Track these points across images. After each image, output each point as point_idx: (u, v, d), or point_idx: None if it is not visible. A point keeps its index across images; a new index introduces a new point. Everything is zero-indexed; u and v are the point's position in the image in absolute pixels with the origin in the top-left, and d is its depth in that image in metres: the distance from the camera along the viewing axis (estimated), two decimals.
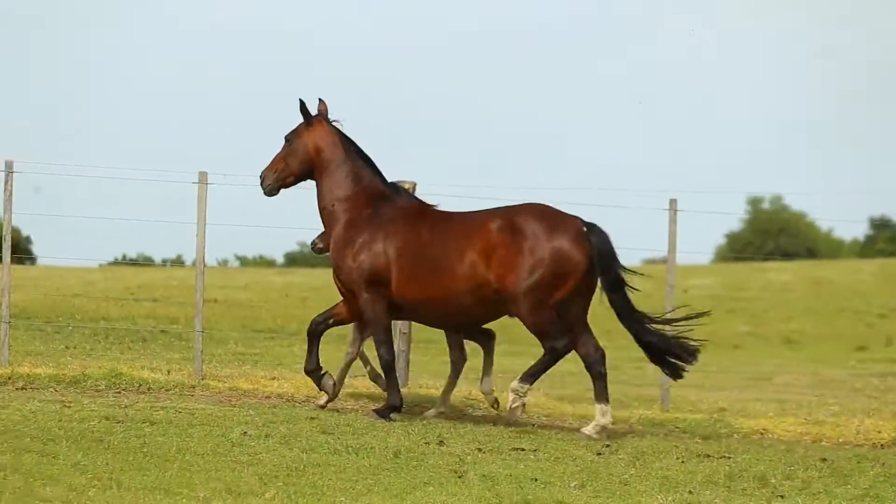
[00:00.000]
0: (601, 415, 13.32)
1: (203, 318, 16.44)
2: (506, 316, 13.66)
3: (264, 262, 61.88)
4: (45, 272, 40.10)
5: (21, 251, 34.51)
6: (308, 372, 13.87)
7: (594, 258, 13.25)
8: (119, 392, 14.49)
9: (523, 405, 13.48)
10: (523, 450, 11.91)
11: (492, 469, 10.78)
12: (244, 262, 59.78)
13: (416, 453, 11.26)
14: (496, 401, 14.28)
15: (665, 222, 16.65)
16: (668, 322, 13.57)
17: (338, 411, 13.81)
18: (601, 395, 13.34)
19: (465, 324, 13.86)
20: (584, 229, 13.34)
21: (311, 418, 12.85)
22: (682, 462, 11.94)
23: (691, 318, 13.49)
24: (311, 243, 14.32)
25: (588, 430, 13.32)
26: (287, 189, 13.81)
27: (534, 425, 13.96)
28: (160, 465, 10.01)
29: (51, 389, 14.21)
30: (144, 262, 47.14)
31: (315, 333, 13.74)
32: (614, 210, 16.88)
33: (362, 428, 12.49)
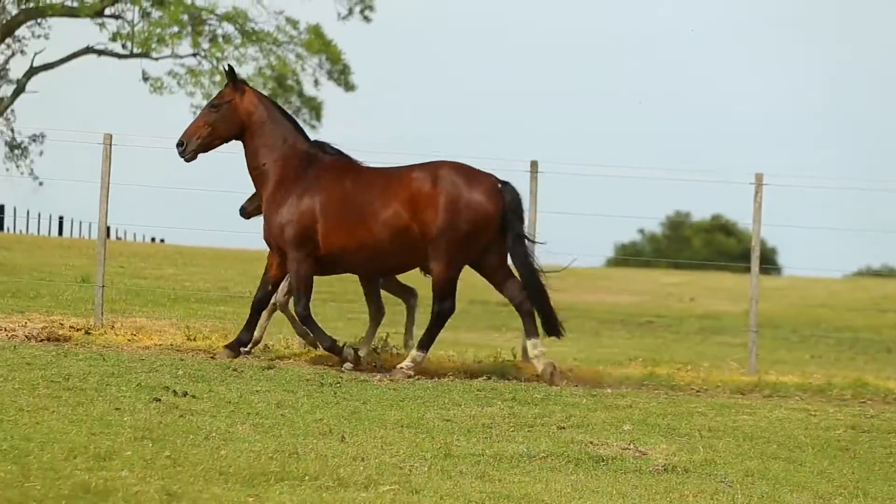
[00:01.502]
0: (532, 348, 14.21)
1: None
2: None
3: None
4: (791, 283, 40.51)
5: (767, 262, 35.07)
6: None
7: (506, 213, 14.08)
8: (864, 401, 14.41)
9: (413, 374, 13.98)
10: None
11: None
12: None
13: None
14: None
15: None
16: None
17: None
18: (531, 331, 14.24)
19: (391, 270, 14.70)
20: (499, 186, 14.18)
21: None
22: None
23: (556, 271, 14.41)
24: (241, 208, 15.25)
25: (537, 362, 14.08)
26: (206, 153, 14.47)
27: None
28: None
29: (796, 397, 14.35)
30: (889, 273, 46.46)
31: (260, 308, 14.49)
32: None
33: None
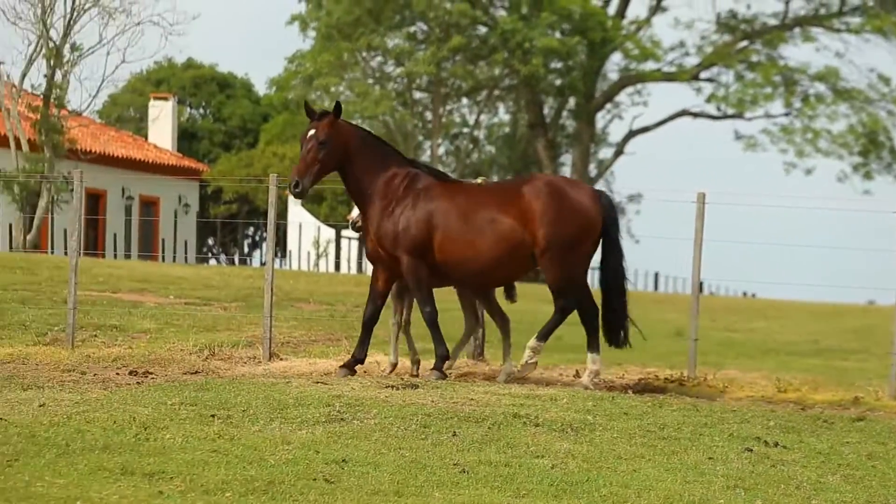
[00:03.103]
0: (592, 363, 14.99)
1: None
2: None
3: None
4: None
5: None
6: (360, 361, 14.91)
7: (606, 217, 14.78)
8: None
9: (535, 363, 14.98)
10: None
11: None
12: None
13: None
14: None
15: None
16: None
17: None
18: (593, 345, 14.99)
19: (497, 282, 15.26)
20: (597, 193, 14.99)
21: None
22: None
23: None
24: (352, 222, 15.45)
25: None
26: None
27: None
28: None
29: None
30: None
31: (371, 325, 14.94)
32: None
33: None
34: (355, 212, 15.48)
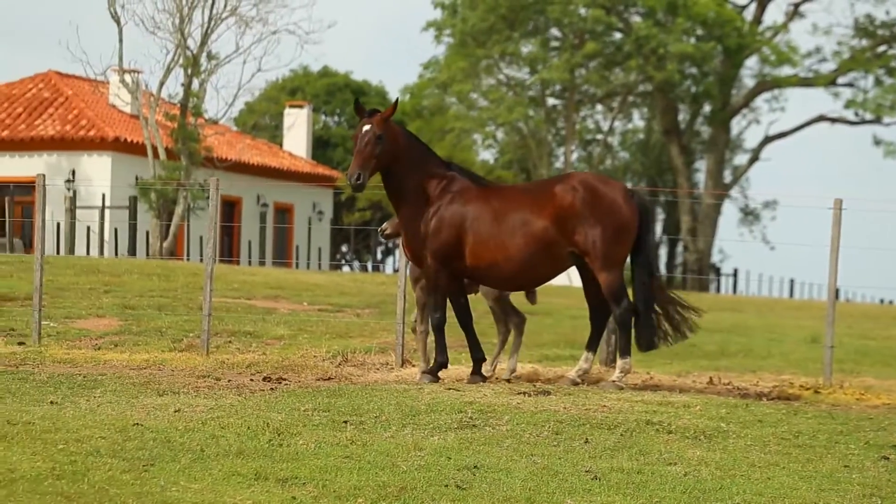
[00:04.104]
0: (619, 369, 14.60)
1: None
2: None
3: None
4: None
5: None
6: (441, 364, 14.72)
7: (641, 215, 14.46)
8: None
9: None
10: None
11: None
12: None
13: None
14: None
15: None
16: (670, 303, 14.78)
17: None
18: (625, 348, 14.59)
19: (531, 283, 14.92)
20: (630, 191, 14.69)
21: None
22: None
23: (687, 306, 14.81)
24: (380, 229, 15.37)
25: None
26: None
27: None
28: None
29: None
30: None
31: (442, 327, 14.65)
32: None
33: None
34: (387, 223, 15.49)
